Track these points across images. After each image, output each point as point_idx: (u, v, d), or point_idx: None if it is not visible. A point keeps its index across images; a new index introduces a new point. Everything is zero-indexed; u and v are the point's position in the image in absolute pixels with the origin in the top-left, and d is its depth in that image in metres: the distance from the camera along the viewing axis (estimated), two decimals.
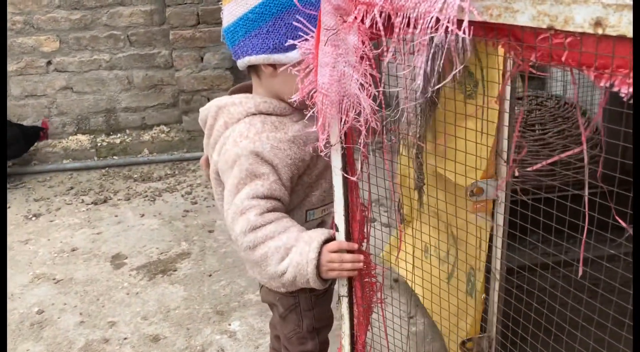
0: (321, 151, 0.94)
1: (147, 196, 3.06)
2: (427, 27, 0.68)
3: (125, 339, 1.91)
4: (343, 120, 0.87)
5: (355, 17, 0.78)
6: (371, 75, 0.82)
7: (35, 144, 3.49)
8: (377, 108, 0.85)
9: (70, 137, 3.62)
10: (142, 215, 2.85)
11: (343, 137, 0.97)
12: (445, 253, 1.66)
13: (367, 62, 0.81)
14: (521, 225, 1.14)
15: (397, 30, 0.72)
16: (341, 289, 1.10)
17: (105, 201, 3.03)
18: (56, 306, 2.12)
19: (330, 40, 0.83)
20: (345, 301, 1.10)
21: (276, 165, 1.05)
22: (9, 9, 3.41)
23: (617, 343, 1.00)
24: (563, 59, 0.61)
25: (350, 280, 1.09)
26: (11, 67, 3.51)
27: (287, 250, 1.01)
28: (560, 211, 1.11)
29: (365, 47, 0.80)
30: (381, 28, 0.75)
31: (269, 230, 1.02)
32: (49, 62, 3.55)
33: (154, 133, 3.65)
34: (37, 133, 3.41)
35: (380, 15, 0.75)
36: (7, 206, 3.06)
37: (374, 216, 2.68)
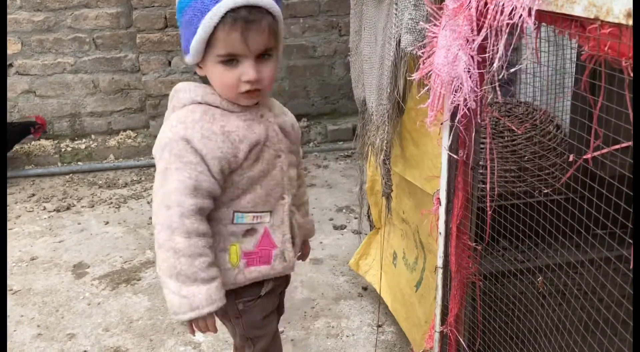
0: (429, 127, 1.03)
1: (112, 203, 2.98)
2: (509, 13, 0.77)
3: (85, 351, 1.84)
4: (451, 99, 0.94)
5: (462, 3, 0.86)
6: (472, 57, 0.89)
7: (29, 142, 3.36)
8: (476, 89, 0.91)
9: (32, 143, 3.51)
10: (107, 222, 2.76)
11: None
12: (413, 260, 1.64)
13: (471, 45, 0.88)
14: (488, 232, 1.13)
15: (490, 16, 0.80)
16: (438, 260, 1.18)
17: (68, 208, 2.94)
18: (12, 318, 2.04)
19: (449, 25, 0.90)
20: (440, 273, 1.18)
21: (205, 155, 1.04)
22: None
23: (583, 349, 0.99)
24: (606, 48, 0.66)
25: (446, 253, 1.14)
26: None
27: (188, 280, 1.04)
28: (528, 218, 1.10)
29: (470, 30, 0.87)
30: (473, 13, 0.84)
31: (183, 245, 1.03)
32: (10, 65, 3.45)
33: (120, 138, 3.56)
34: (26, 129, 3.20)
35: (480, 3, 0.84)
36: None
37: (344, 222, 2.66)
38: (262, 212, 1.14)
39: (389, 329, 1.89)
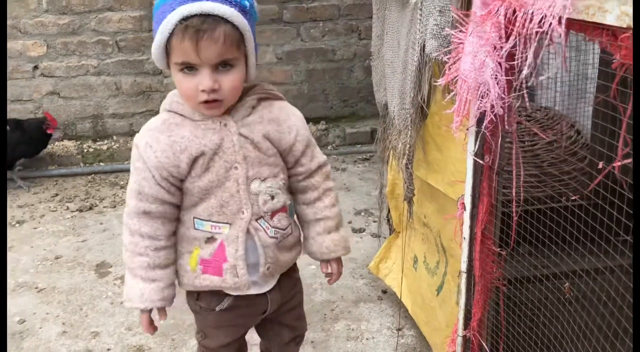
0: (454, 132, 1.03)
1: None
2: (538, 22, 0.77)
3: (108, 349, 1.88)
4: (477, 105, 0.94)
5: (490, 11, 0.87)
6: (500, 63, 0.90)
7: (53, 143, 3.47)
8: (504, 95, 0.91)
9: (55, 143, 3.57)
10: None
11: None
12: (434, 264, 1.65)
13: (498, 52, 0.89)
14: (514, 237, 1.13)
15: (518, 23, 0.81)
16: (462, 265, 1.18)
17: (90, 208, 2.99)
18: (38, 315, 2.08)
19: (475, 31, 0.91)
20: (464, 277, 1.18)
21: (146, 162, 1.09)
22: None
23: None
24: None
25: (470, 258, 1.15)
26: None
27: (129, 273, 1.15)
28: (554, 223, 1.10)
29: (498, 37, 0.88)
30: (502, 20, 0.85)
31: (126, 241, 1.14)
32: (36, 67, 3.51)
33: None
34: (39, 127, 3.21)
35: (508, 10, 0.85)
36: None
37: (363, 226, 2.66)
38: (220, 222, 1.12)
39: (408, 333, 1.89)
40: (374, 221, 2.73)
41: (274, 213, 1.14)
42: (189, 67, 1.02)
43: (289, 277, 1.28)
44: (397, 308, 1.99)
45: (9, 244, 2.63)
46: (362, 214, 2.85)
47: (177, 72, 1.03)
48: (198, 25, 0.97)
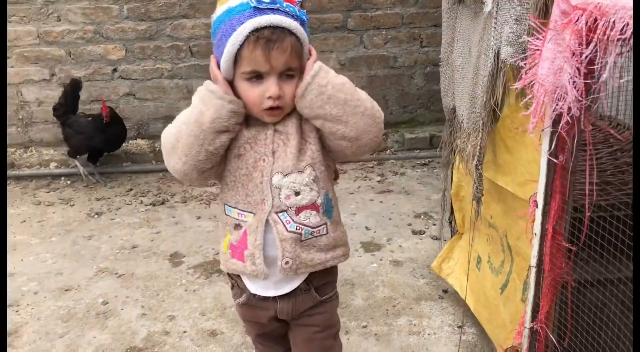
0: (530, 132, 1.07)
1: (202, 200, 3.19)
2: (620, 29, 0.83)
3: (184, 332, 2.01)
4: (554, 107, 1.01)
5: (570, 19, 0.93)
6: (578, 68, 0.96)
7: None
8: (580, 98, 0.97)
9: (130, 141, 3.80)
10: (198, 217, 2.97)
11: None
12: (499, 264, 1.70)
13: (577, 58, 0.95)
14: (585, 231, 1.18)
15: (599, 30, 0.88)
16: (532, 260, 1.22)
17: (162, 203, 3.17)
18: (119, 298, 2.25)
19: (554, 38, 0.98)
20: (533, 271, 1.22)
21: None
22: (81, 19, 3.63)
23: None
24: None
25: (540, 253, 1.19)
26: (80, 73, 3.72)
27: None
28: (618, 231, 1.14)
29: (577, 44, 0.95)
30: (582, 28, 0.92)
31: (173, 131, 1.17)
32: (115, 70, 3.75)
33: None
34: (99, 117, 3.39)
35: (589, 19, 0.91)
36: (71, 203, 3.24)
37: (422, 228, 2.73)
38: (245, 211, 1.17)
39: (470, 330, 1.94)
40: (434, 224, 2.79)
41: (299, 209, 1.15)
42: (256, 76, 1.08)
43: (309, 295, 1.25)
44: (459, 306, 2.04)
45: (89, 234, 2.84)
46: (422, 217, 2.91)
47: (243, 81, 1.10)
48: (269, 36, 1.05)
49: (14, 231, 2.91)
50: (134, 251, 2.64)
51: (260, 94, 1.09)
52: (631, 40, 0.83)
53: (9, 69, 3.69)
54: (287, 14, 1.08)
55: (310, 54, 1.14)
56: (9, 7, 3.57)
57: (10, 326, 2.07)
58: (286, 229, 1.15)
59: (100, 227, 2.91)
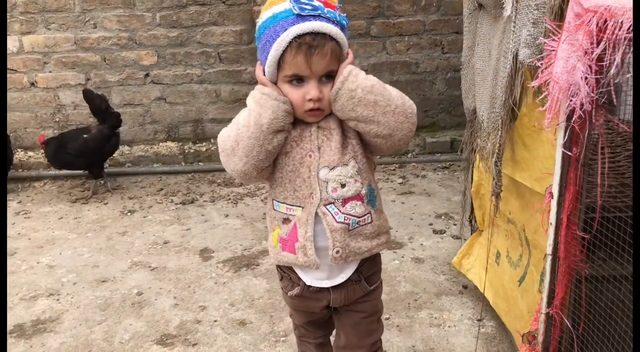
0: (546, 127, 1.15)
1: (230, 199, 3.31)
2: (627, 29, 0.92)
3: (215, 321, 2.12)
4: (568, 103, 1.09)
5: (583, 21, 1.02)
6: (590, 66, 1.05)
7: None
8: (592, 93, 1.05)
9: (160, 144, 3.95)
10: (227, 215, 3.09)
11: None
12: (517, 258, 1.77)
13: (589, 56, 1.04)
14: (597, 219, 1.25)
15: (609, 30, 0.97)
16: (548, 248, 1.30)
17: (192, 202, 3.30)
18: (153, 289, 2.36)
19: (568, 39, 1.07)
20: (549, 259, 1.30)
21: None
22: (116, 26, 3.80)
23: None
24: None
25: (556, 241, 1.27)
26: (114, 77, 3.88)
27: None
28: (631, 228, 1.21)
29: (589, 43, 1.03)
30: (594, 28, 1.01)
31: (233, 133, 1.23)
32: (147, 75, 3.91)
33: None
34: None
35: (600, 20, 1.00)
36: (105, 202, 3.39)
37: (443, 227, 2.80)
38: (293, 205, 1.22)
39: (488, 324, 2.01)
40: (454, 224, 2.86)
41: (345, 200, 1.21)
42: (297, 79, 1.15)
43: (360, 286, 1.32)
44: (478, 301, 2.11)
45: (123, 229, 2.97)
46: (443, 217, 2.98)
47: (285, 83, 1.17)
48: (310, 42, 1.11)
49: (52, 226, 3.06)
50: (165, 246, 2.77)
51: (302, 96, 1.15)
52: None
53: (47, 74, 3.87)
54: (328, 19, 1.13)
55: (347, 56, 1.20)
56: (49, 15, 3.76)
57: (51, 313, 2.20)
58: (335, 220, 1.20)
59: (133, 224, 3.04)
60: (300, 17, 1.11)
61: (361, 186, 1.22)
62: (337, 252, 1.22)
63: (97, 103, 3.50)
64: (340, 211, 1.21)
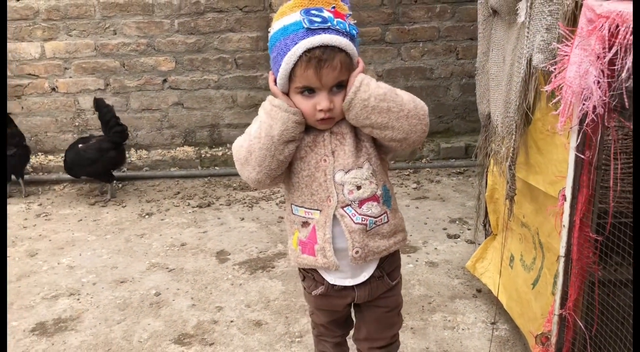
0: (559, 131, 1.18)
1: (245, 203, 3.35)
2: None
3: (231, 321, 2.15)
4: (581, 106, 1.12)
5: (595, 26, 1.05)
6: (602, 70, 1.07)
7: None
8: (604, 97, 1.07)
9: (177, 148, 4.01)
10: (242, 219, 3.13)
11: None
12: (531, 261, 1.79)
13: (601, 61, 1.07)
14: (610, 222, 1.27)
15: (621, 35, 1.00)
16: (561, 250, 1.32)
17: (208, 205, 3.35)
18: (170, 290, 2.41)
19: (581, 44, 1.10)
20: (562, 261, 1.32)
21: None
22: (136, 32, 3.88)
23: None
24: None
25: (569, 243, 1.29)
26: (132, 83, 3.96)
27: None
28: None
29: (601, 48, 1.06)
30: (606, 33, 1.04)
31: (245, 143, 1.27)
32: (165, 80, 3.98)
33: None
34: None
35: (611, 25, 1.03)
36: (123, 205, 3.45)
37: (457, 232, 2.82)
38: (311, 209, 1.26)
39: (502, 327, 2.03)
40: (468, 229, 2.87)
41: (362, 202, 1.24)
42: (308, 90, 1.18)
43: (383, 282, 1.36)
44: (492, 305, 2.13)
45: (141, 232, 3.03)
46: (457, 222, 3.00)
47: (297, 94, 1.20)
48: (320, 56, 1.13)
49: (72, 228, 3.12)
50: (182, 248, 2.81)
51: (313, 107, 1.18)
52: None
53: (67, 80, 3.96)
54: (337, 31, 1.15)
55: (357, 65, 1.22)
56: (70, 21, 3.85)
57: (72, 312, 2.25)
58: (353, 221, 1.24)
59: (151, 227, 3.09)
60: (310, 31, 1.14)
61: (376, 187, 1.25)
62: (357, 252, 1.25)
63: (103, 113, 3.53)
64: (357, 212, 1.24)
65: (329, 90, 1.18)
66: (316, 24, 1.14)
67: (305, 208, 1.26)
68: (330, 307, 1.41)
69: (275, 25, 1.21)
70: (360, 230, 1.25)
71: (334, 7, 1.18)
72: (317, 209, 1.25)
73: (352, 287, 1.34)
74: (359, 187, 1.24)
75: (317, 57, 1.13)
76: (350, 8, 1.25)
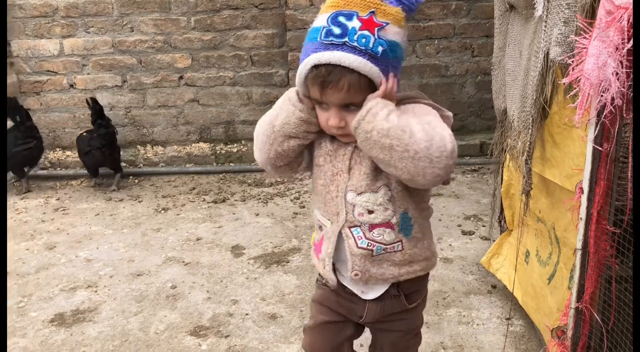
0: (576, 124, 1.18)
1: (260, 199, 3.37)
2: None
3: (247, 314, 2.17)
4: (599, 99, 1.12)
5: (614, 17, 1.06)
6: (621, 61, 1.07)
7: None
8: (623, 88, 1.07)
9: (193, 144, 4.04)
10: (257, 214, 3.15)
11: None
12: (547, 256, 1.78)
13: (620, 52, 1.07)
14: (628, 214, 1.26)
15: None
16: (577, 243, 1.33)
17: (223, 201, 3.38)
18: (186, 283, 2.43)
19: (599, 36, 1.10)
20: (579, 254, 1.33)
21: None
22: (152, 29, 3.92)
23: None
24: None
25: (586, 236, 1.29)
26: (149, 80, 4.00)
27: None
28: None
29: (620, 39, 1.07)
30: (625, 25, 1.04)
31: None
32: (181, 77, 4.02)
33: None
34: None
35: (630, 16, 1.03)
36: (139, 200, 3.49)
37: (472, 229, 2.81)
38: (325, 217, 1.22)
39: (517, 322, 2.02)
40: (483, 226, 2.87)
41: (373, 226, 1.16)
42: (322, 103, 1.10)
43: (399, 301, 1.27)
44: (507, 300, 2.12)
45: (157, 226, 3.06)
46: (472, 219, 2.99)
47: (315, 104, 1.14)
48: (324, 76, 1.04)
49: (89, 222, 3.16)
50: (198, 242, 2.84)
51: (326, 120, 1.11)
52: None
53: (85, 76, 4.01)
54: (354, 49, 1.03)
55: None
56: (88, 19, 3.90)
57: (90, 304, 2.28)
58: (357, 244, 1.17)
59: (167, 221, 3.13)
60: (323, 45, 1.04)
61: (392, 214, 1.16)
62: (356, 275, 1.20)
63: (92, 112, 3.66)
64: (364, 236, 1.17)
65: (342, 107, 1.09)
66: (330, 38, 1.04)
67: (321, 214, 1.23)
68: (335, 307, 1.32)
69: (314, 21, 1.12)
70: (362, 255, 1.18)
71: (371, 14, 1.05)
72: (329, 220, 1.21)
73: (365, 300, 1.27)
74: (370, 212, 1.16)
75: (322, 76, 1.05)
76: (412, 5, 1.15)
